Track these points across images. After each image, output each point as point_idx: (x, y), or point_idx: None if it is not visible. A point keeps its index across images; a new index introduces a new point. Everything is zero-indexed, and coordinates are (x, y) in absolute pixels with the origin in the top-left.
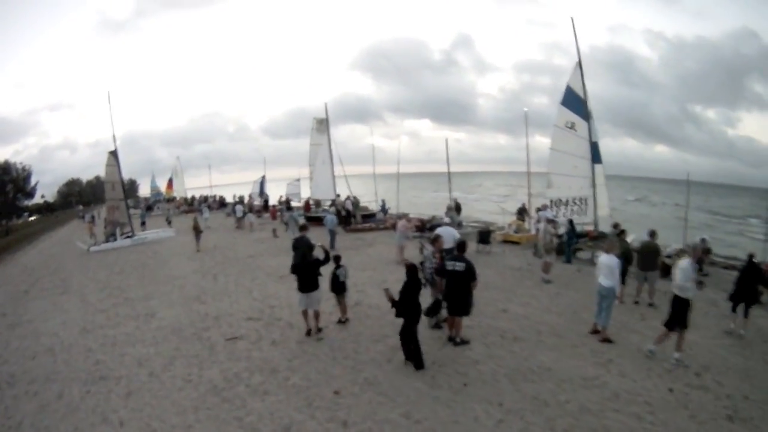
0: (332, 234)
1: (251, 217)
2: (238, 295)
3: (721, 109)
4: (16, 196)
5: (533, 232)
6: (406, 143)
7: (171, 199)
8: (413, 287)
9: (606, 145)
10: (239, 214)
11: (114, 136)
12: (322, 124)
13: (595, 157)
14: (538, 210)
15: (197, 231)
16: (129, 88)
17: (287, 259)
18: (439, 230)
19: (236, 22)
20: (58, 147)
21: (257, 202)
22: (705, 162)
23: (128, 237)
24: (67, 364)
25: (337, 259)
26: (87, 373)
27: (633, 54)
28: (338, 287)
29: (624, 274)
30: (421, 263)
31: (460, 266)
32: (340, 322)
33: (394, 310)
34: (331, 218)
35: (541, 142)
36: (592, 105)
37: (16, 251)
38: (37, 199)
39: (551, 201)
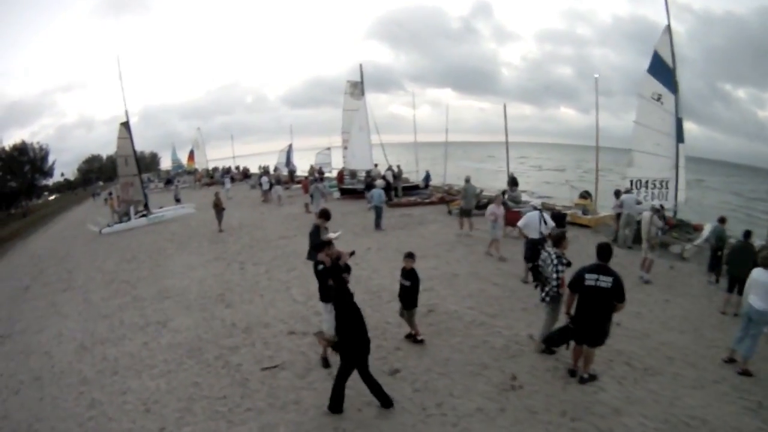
0: (378, 211)
1: (279, 189)
2: (273, 293)
3: (750, 89)
4: (34, 176)
5: (611, 212)
6: (429, 112)
7: (191, 171)
8: (348, 317)
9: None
10: (265, 186)
11: (125, 105)
12: (357, 88)
13: (680, 135)
14: (618, 193)
15: (219, 209)
16: (143, 64)
17: None
18: (527, 216)
19: None
20: (74, 126)
21: (280, 171)
22: (733, 142)
23: (143, 216)
24: (55, 404)
25: (413, 276)
26: (78, 424)
27: (658, 25)
28: (408, 300)
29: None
30: (534, 267)
31: (605, 281)
32: (415, 340)
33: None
34: (378, 193)
35: (566, 113)
36: (619, 78)
37: (29, 235)
38: (56, 178)
39: (631, 182)
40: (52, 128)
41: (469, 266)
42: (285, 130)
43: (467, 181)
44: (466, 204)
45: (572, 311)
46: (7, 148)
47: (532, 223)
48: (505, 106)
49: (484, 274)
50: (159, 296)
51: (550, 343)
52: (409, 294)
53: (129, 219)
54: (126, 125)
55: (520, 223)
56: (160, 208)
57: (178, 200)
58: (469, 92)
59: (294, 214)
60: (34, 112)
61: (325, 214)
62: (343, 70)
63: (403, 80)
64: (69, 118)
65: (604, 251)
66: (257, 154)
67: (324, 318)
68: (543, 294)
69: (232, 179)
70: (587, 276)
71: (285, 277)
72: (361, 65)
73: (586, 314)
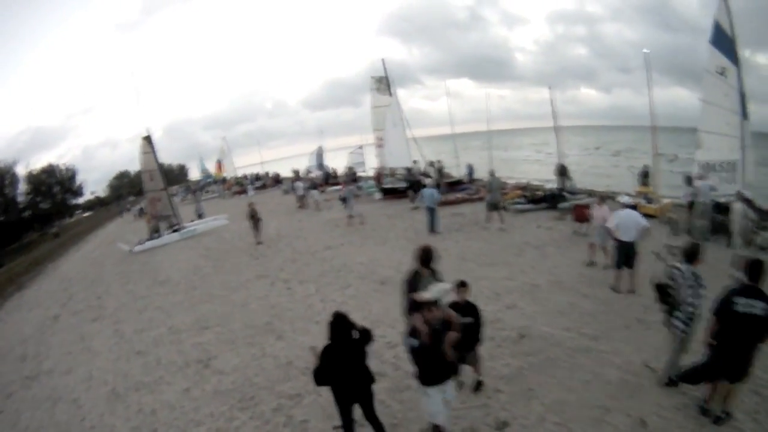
0: (432, 213)
1: (315, 194)
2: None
3: None
4: (64, 196)
5: (682, 201)
6: (450, 103)
7: (217, 181)
8: (339, 350)
9: (656, 96)
10: (300, 191)
11: (145, 119)
12: (383, 83)
13: (744, 111)
14: (690, 179)
15: (255, 220)
16: (162, 81)
17: (380, 249)
18: (620, 215)
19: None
20: (99, 145)
21: (313, 174)
22: (761, 110)
23: (175, 230)
24: None
25: (472, 310)
26: None
27: None
28: (472, 340)
29: None
30: (661, 287)
31: (760, 307)
32: (478, 386)
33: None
34: (430, 193)
35: (587, 94)
36: (636, 53)
37: (59, 257)
38: (87, 196)
39: (699, 165)
40: (77, 149)
41: (547, 274)
42: (308, 132)
43: (492, 174)
44: (492, 197)
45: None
46: (34, 172)
47: (624, 224)
48: (550, 89)
49: (567, 283)
50: (197, 326)
51: (690, 380)
52: (472, 332)
53: (160, 235)
54: (148, 139)
55: (611, 225)
56: (191, 221)
57: (200, 216)
58: (487, 80)
59: (335, 220)
60: (59, 135)
61: (424, 256)
62: (358, 69)
63: (418, 74)
64: (93, 139)
65: (755, 270)
66: (284, 158)
67: (425, 402)
68: (674, 320)
69: (264, 186)
70: (738, 301)
71: (339, 297)
72: (383, 60)
73: (732, 346)
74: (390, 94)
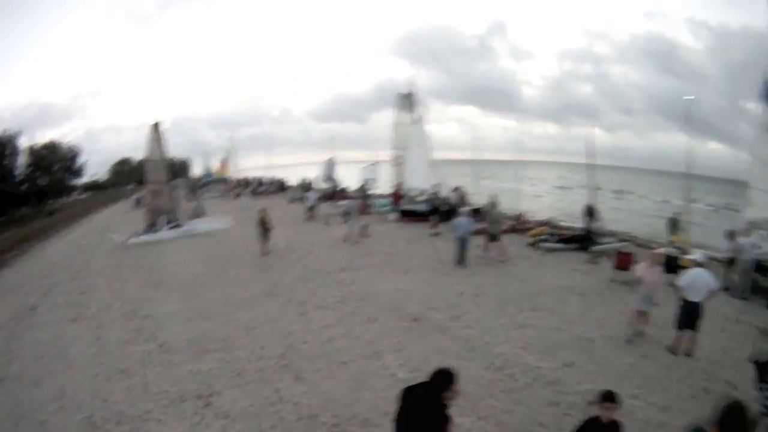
0: (463, 244)
1: (327, 207)
2: (359, 361)
3: None
4: (64, 175)
5: (723, 255)
6: (456, 129)
7: (220, 180)
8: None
9: (658, 140)
10: (311, 202)
11: (153, 110)
12: (408, 101)
13: None
14: (733, 234)
15: (265, 228)
16: (171, 74)
17: (403, 279)
18: (694, 275)
19: (272, 9)
20: (103, 130)
21: (320, 186)
22: None
23: (174, 227)
24: None
25: None
26: None
27: (674, 42)
28: None
29: None
30: (763, 366)
31: None
32: None
33: None
34: (464, 223)
35: (589, 132)
36: (641, 96)
37: (49, 237)
38: (87, 178)
39: (747, 222)
40: (81, 131)
41: (597, 327)
42: (312, 143)
43: (494, 205)
44: (493, 229)
45: None
46: (36, 147)
47: (696, 284)
48: (593, 130)
49: (621, 340)
50: (194, 348)
51: None
52: None
53: (157, 230)
54: (157, 127)
55: (683, 283)
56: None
57: (198, 215)
58: (493, 110)
59: (347, 238)
60: (64, 114)
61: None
62: (366, 86)
63: (425, 98)
64: (98, 122)
65: None
66: (289, 166)
67: None
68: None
69: (267, 192)
70: None
71: (367, 333)
72: (412, 77)
73: None
74: (414, 113)
